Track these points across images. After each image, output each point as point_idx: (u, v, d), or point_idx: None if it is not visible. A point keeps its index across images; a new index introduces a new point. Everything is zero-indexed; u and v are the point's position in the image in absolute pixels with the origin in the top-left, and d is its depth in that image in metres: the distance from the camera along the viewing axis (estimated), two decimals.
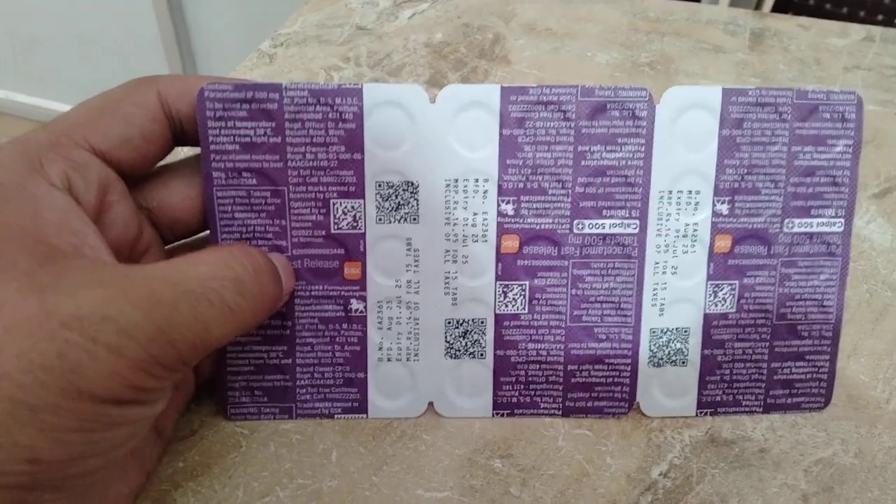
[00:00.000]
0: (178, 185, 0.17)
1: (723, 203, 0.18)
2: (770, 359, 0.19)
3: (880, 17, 0.52)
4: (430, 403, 0.19)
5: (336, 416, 0.18)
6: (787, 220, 0.18)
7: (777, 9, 0.59)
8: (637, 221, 0.18)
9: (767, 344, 0.19)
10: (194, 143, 0.17)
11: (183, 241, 0.18)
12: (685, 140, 0.17)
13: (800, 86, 0.31)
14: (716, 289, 0.18)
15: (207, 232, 0.17)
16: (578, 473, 0.17)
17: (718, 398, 0.19)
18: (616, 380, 0.19)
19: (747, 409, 0.19)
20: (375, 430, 0.18)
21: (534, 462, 0.18)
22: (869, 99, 0.31)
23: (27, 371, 0.11)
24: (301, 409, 0.18)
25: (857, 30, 0.35)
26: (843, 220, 0.18)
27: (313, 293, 0.18)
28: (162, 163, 0.17)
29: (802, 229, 0.18)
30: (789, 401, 0.19)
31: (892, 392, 0.19)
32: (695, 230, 0.18)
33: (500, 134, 0.17)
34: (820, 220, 0.18)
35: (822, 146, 0.18)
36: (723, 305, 0.18)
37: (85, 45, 1.04)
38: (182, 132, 0.16)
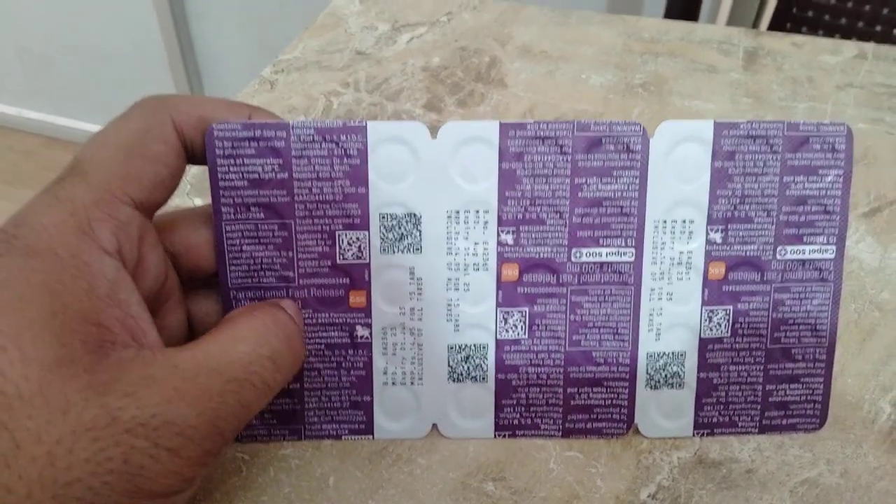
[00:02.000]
0: (206, 231, 0.17)
1: (716, 232, 0.18)
2: (765, 381, 0.19)
3: (878, 28, 0.53)
4: (434, 425, 0.19)
5: (343, 436, 0.19)
6: (779, 248, 0.19)
7: (775, 21, 0.59)
8: (633, 250, 0.18)
9: (762, 367, 0.19)
10: (202, 163, 0.17)
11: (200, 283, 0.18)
12: (678, 172, 0.18)
13: (792, 107, 0.31)
14: (710, 314, 0.19)
15: None
16: (569, 496, 0.18)
17: (715, 419, 0.19)
18: (615, 402, 0.19)
19: (743, 429, 0.19)
20: (372, 454, 0.19)
21: (525, 484, 0.18)
22: (860, 117, 0.31)
23: (96, 474, 0.11)
24: (309, 430, 0.19)
25: (849, 47, 0.35)
26: (834, 247, 0.19)
27: (320, 321, 0.18)
28: (185, 204, 0.17)
29: (795, 256, 0.19)
30: (785, 422, 0.19)
31: (878, 412, 0.20)
32: (689, 258, 0.18)
33: (500, 167, 0.18)
34: (812, 247, 0.19)
35: (814, 176, 0.18)
36: (718, 330, 0.19)
37: (93, 63, 1.06)
38: (192, 156, 0.17)
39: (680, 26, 0.37)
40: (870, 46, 0.35)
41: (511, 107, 0.31)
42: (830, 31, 0.36)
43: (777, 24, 0.59)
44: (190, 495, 0.14)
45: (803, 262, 0.19)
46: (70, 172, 0.14)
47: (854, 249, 0.25)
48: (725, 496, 0.18)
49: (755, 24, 0.67)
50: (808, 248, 0.19)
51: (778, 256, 0.19)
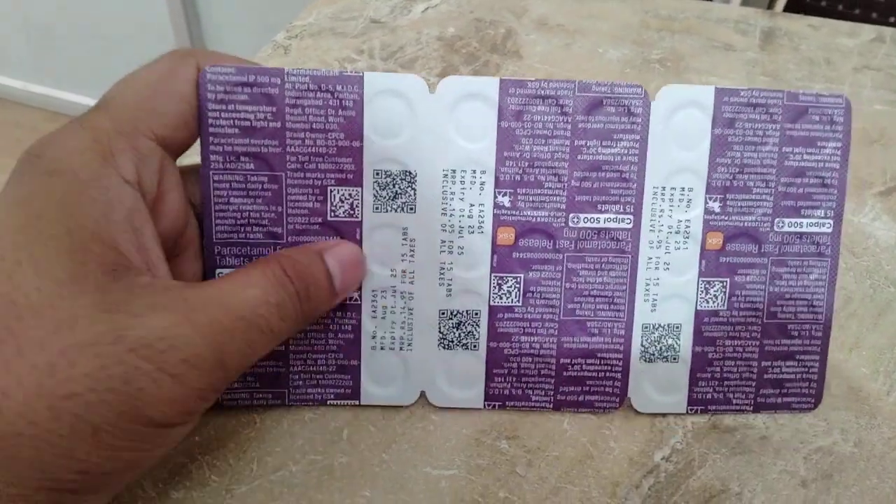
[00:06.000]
0: None
1: (715, 201, 0.20)
2: (760, 357, 0.20)
3: (893, 20, 0.55)
4: (422, 393, 0.20)
5: (329, 402, 0.20)
6: (777, 220, 0.20)
7: (789, 9, 0.61)
8: (631, 217, 0.19)
9: (758, 342, 0.20)
10: None
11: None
12: (679, 138, 0.19)
13: (808, 88, 0.33)
14: (707, 286, 0.20)
15: None
16: (582, 455, 0.19)
17: (709, 396, 0.21)
18: (608, 374, 0.20)
19: (738, 407, 0.21)
20: (385, 409, 0.20)
21: (539, 443, 0.20)
22: (877, 99, 0.33)
23: (94, 391, 0.12)
24: (294, 395, 0.20)
25: (867, 30, 0.38)
26: (832, 222, 0.20)
27: None
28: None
29: (792, 229, 0.20)
30: (779, 400, 0.21)
31: (892, 385, 0.22)
32: (687, 227, 0.20)
33: (499, 126, 0.19)
34: (810, 220, 0.20)
35: (812, 148, 0.20)
36: (714, 303, 0.20)
37: (98, 36, 1.11)
38: None
39: (696, 5, 0.39)
40: (888, 30, 0.38)
41: (527, 78, 0.33)
42: (844, 21, 0.39)
43: (790, 12, 0.62)
44: (186, 432, 0.15)
45: (801, 235, 0.20)
46: (96, 106, 0.16)
47: (870, 227, 0.27)
48: (739, 461, 0.19)
49: (769, 9, 0.70)
50: (805, 221, 0.20)
51: (776, 228, 0.20)
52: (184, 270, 0.18)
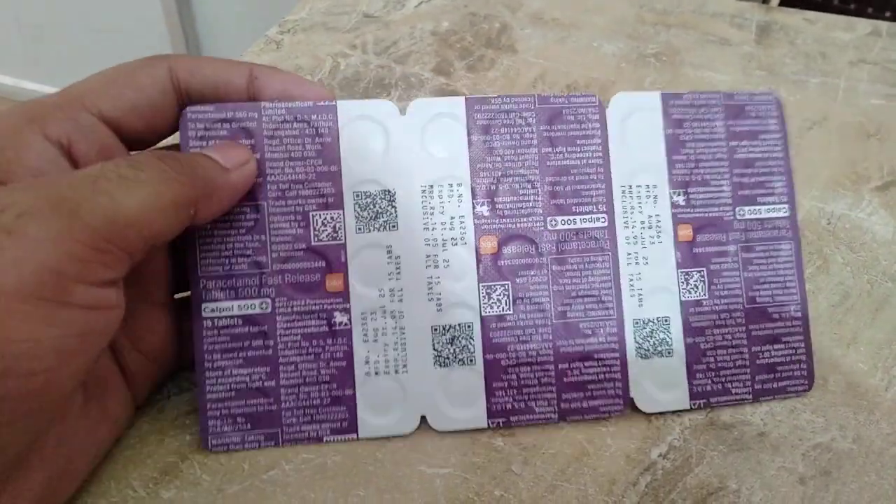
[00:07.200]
0: None
1: (679, 195, 0.21)
2: (749, 343, 0.21)
3: (888, 14, 0.57)
4: (423, 418, 0.19)
5: (325, 438, 0.19)
6: (738, 208, 0.22)
7: (785, 3, 0.64)
8: (605, 215, 0.21)
9: (744, 328, 0.21)
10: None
11: None
12: (635, 139, 0.21)
13: (804, 81, 0.34)
14: (687, 276, 0.21)
15: None
16: (579, 453, 0.19)
17: (709, 388, 0.21)
18: (608, 375, 0.20)
19: (738, 397, 0.21)
20: None
21: (535, 441, 0.19)
22: (873, 93, 0.34)
23: None
24: (287, 434, 0.19)
25: (863, 24, 0.39)
26: (787, 206, 0.22)
27: (295, 309, 0.19)
28: None
29: (753, 216, 0.22)
30: (776, 385, 0.21)
31: (891, 380, 0.22)
32: (658, 221, 0.21)
33: (469, 140, 0.20)
34: (766, 206, 0.22)
35: (755, 140, 0.22)
36: (696, 292, 0.21)
37: (91, 32, 1.13)
38: (188, 100, 0.19)
39: None
40: (884, 24, 0.39)
41: (522, 72, 0.33)
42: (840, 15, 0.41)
43: (786, 6, 0.65)
44: (88, 321, 0.14)
45: (762, 221, 0.22)
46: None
47: (867, 222, 0.27)
48: (737, 458, 0.19)
49: (765, 3, 0.73)
50: (762, 207, 0.22)
51: (738, 217, 0.22)
52: (151, 272, 0.18)
